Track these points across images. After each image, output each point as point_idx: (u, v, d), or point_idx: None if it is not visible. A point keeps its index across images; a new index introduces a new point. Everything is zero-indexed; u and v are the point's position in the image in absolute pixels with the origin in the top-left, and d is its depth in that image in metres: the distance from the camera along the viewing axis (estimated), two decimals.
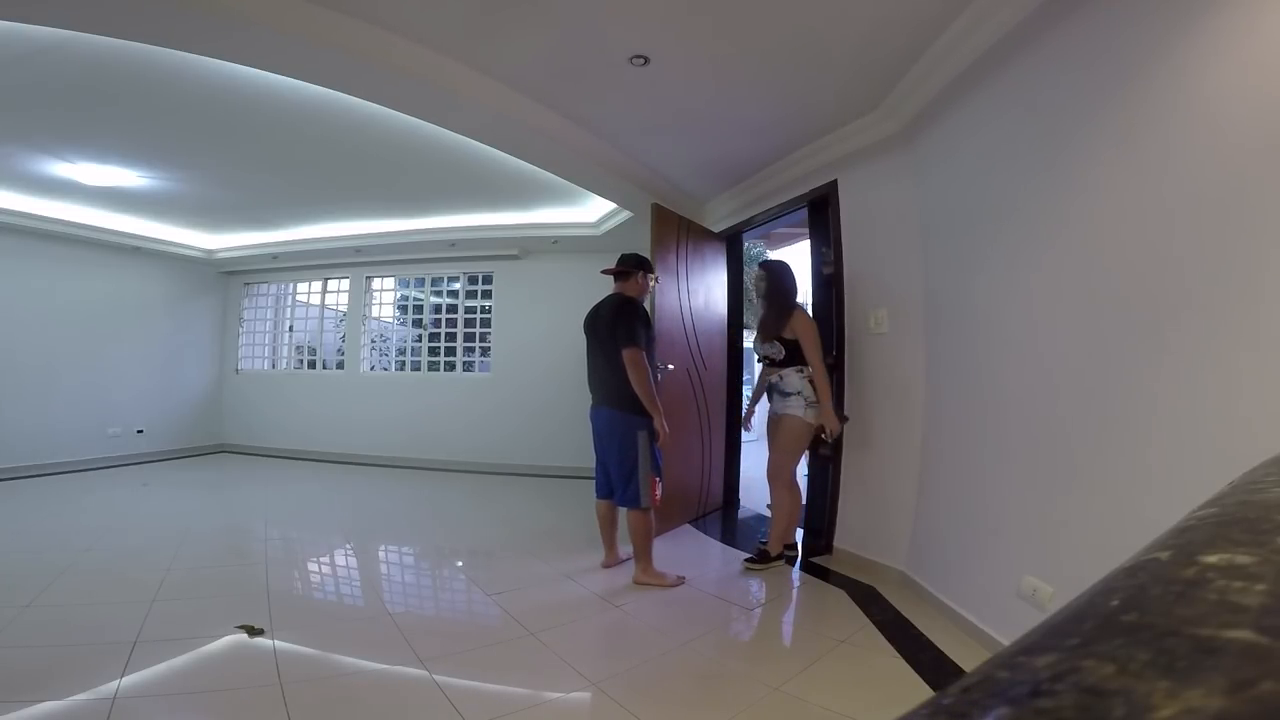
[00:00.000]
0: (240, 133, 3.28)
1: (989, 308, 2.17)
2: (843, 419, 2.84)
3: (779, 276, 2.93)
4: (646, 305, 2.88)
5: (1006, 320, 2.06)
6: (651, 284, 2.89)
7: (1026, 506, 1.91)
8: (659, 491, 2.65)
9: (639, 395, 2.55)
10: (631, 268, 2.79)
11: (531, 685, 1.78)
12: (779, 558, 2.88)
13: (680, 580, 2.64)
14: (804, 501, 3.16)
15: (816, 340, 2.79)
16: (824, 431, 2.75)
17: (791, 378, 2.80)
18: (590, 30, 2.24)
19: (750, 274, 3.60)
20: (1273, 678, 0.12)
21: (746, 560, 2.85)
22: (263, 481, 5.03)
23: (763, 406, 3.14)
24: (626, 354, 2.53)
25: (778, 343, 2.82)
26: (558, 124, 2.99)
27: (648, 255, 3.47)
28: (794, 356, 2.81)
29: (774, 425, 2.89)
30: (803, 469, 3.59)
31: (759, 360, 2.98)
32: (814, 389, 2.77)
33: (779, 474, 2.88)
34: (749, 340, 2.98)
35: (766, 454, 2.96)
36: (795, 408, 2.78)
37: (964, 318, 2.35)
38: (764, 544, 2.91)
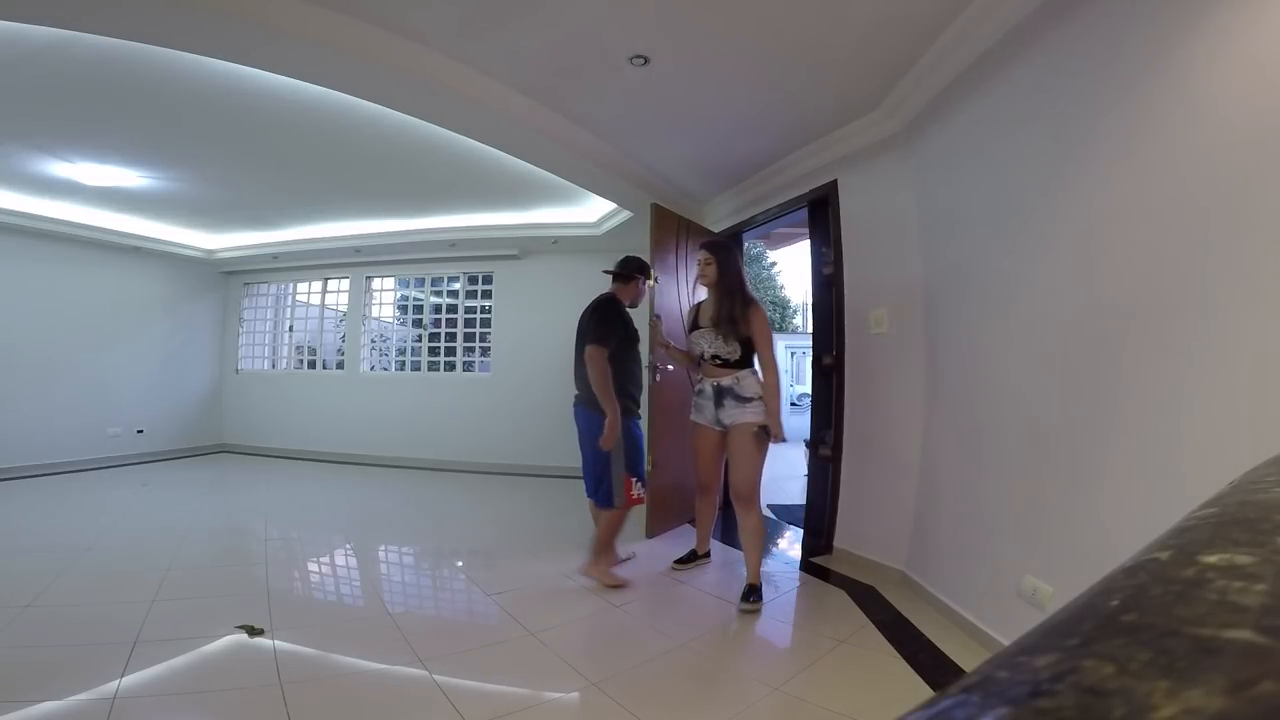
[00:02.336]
0: (240, 133, 3.28)
1: (989, 307, 2.17)
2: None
3: (733, 259, 2.57)
4: (638, 307, 2.84)
5: (1007, 320, 2.06)
6: (647, 288, 2.85)
7: (1026, 506, 1.91)
8: (635, 491, 2.59)
9: (594, 389, 2.51)
10: (632, 272, 2.78)
11: (531, 685, 1.78)
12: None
13: (625, 584, 2.58)
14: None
15: (771, 338, 2.54)
16: (769, 434, 2.44)
17: (749, 381, 2.48)
18: (590, 30, 2.24)
19: (754, 277, 3.35)
20: (1273, 678, 0.12)
21: (744, 605, 2.37)
22: (263, 481, 5.03)
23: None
24: (588, 350, 2.52)
25: (735, 341, 2.47)
26: (558, 124, 2.99)
27: (647, 255, 3.48)
28: (749, 357, 2.52)
29: (732, 437, 2.50)
30: (802, 470, 3.54)
31: (702, 359, 2.57)
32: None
33: (752, 494, 2.49)
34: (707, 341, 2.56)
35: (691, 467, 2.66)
36: (755, 415, 2.45)
37: (964, 317, 2.35)
38: (752, 584, 2.47)
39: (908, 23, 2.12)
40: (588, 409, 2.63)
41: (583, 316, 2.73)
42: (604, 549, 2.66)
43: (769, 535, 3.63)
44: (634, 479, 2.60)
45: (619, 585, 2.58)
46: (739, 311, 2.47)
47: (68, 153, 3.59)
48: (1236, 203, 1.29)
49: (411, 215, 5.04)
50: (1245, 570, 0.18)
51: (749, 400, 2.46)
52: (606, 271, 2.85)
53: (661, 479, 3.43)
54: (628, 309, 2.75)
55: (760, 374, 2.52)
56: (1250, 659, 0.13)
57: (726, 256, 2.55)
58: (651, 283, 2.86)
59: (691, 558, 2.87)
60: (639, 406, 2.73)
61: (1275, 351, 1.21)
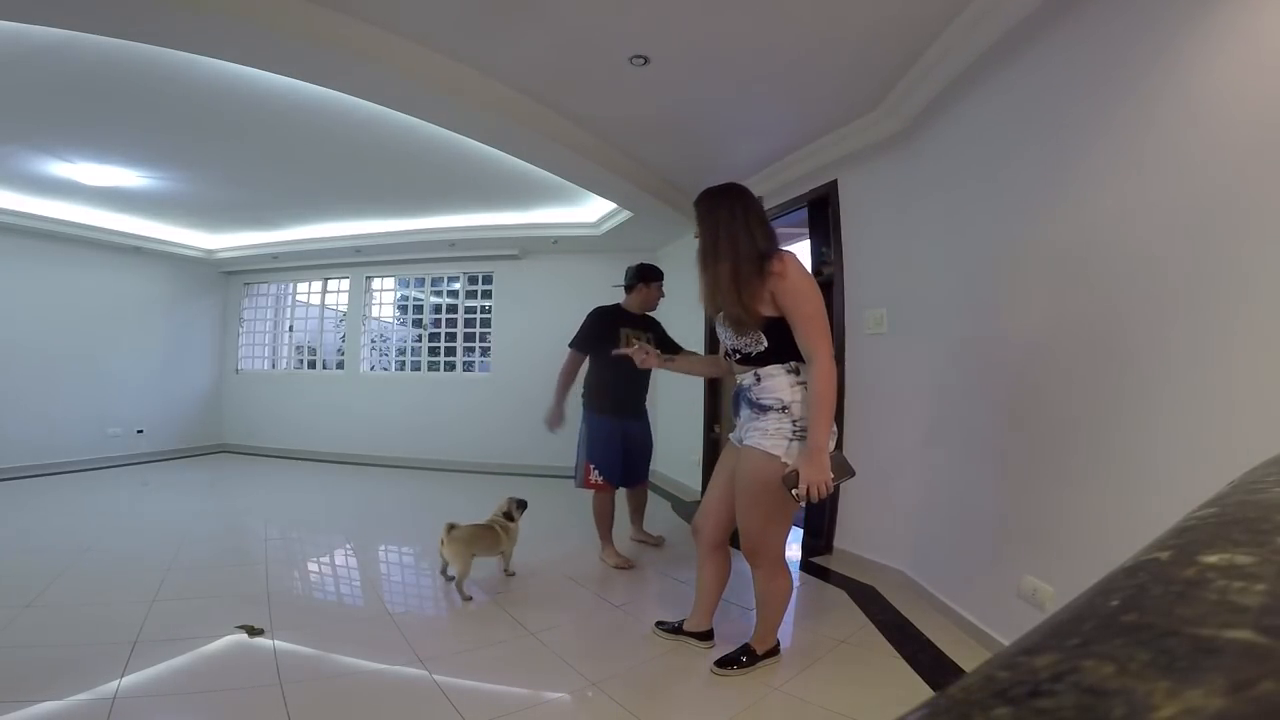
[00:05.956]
0: (240, 133, 3.28)
1: (989, 307, 2.17)
2: (846, 471, 1.68)
3: (718, 207, 1.72)
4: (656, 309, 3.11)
5: (1006, 319, 2.06)
6: (658, 291, 3.04)
7: (1026, 506, 1.91)
8: (593, 476, 2.87)
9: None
10: (632, 280, 3.03)
11: (531, 685, 1.78)
12: (768, 655, 1.88)
13: (630, 564, 2.83)
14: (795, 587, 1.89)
15: (815, 309, 1.60)
16: (795, 487, 1.56)
17: (777, 382, 1.64)
18: (590, 30, 2.24)
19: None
20: (1273, 678, 0.12)
21: (716, 668, 1.83)
22: (263, 481, 5.03)
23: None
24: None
25: (753, 328, 1.67)
26: (558, 124, 2.99)
27: (651, 260, 3.51)
28: (784, 346, 1.65)
29: (738, 464, 1.75)
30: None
31: (726, 355, 1.84)
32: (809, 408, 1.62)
33: (758, 553, 1.79)
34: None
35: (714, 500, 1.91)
36: (774, 436, 1.63)
37: (963, 317, 2.35)
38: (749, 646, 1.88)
39: (908, 22, 2.12)
40: (583, 409, 3.00)
41: None
42: (602, 534, 2.91)
43: None
44: (591, 465, 2.88)
45: (624, 565, 2.81)
46: (740, 278, 1.63)
47: (68, 153, 3.59)
48: (1236, 203, 1.29)
49: (411, 215, 5.04)
50: (1245, 570, 0.18)
51: (768, 410, 1.63)
52: (616, 286, 3.15)
53: None
54: (639, 315, 3.03)
55: (800, 372, 1.66)
56: (1250, 659, 0.13)
57: (704, 209, 1.76)
58: (658, 286, 3.07)
59: (681, 630, 2.03)
60: (618, 406, 2.97)
61: (1274, 351, 1.21)
